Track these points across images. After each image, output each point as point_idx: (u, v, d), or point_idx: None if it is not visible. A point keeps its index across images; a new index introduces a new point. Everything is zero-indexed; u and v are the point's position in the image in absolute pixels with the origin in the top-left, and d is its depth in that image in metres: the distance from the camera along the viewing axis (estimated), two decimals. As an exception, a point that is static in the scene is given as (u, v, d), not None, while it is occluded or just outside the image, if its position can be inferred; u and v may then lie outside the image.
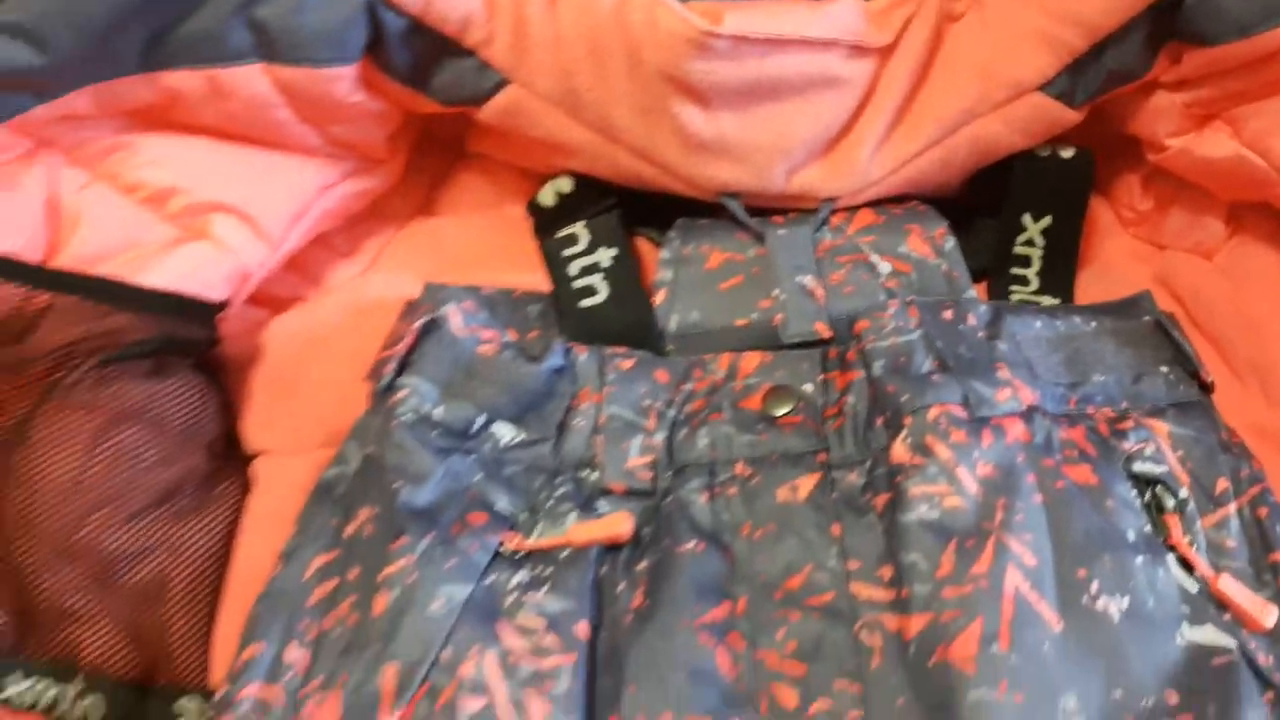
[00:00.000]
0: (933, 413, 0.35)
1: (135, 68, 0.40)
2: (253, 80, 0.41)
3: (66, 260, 0.39)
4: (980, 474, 0.34)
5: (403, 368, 0.39)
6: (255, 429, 0.42)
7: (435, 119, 0.48)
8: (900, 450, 0.35)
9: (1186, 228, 0.47)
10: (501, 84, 0.43)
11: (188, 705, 0.36)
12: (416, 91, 0.44)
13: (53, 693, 0.35)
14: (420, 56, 0.43)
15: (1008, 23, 0.43)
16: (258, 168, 0.43)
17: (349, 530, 0.36)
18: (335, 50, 0.41)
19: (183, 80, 0.40)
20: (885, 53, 0.43)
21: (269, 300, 0.45)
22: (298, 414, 0.42)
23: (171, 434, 0.38)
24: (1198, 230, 0.47)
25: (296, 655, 0.34)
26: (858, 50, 0.43)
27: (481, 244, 0.48)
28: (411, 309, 0.41)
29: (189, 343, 0.40)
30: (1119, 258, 0.48)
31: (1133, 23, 0.41)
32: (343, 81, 0.42)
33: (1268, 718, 0.31)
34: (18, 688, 0.35)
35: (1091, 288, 0.46)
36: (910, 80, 0.44)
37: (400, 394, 0.38)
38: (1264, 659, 0.33)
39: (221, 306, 0.41)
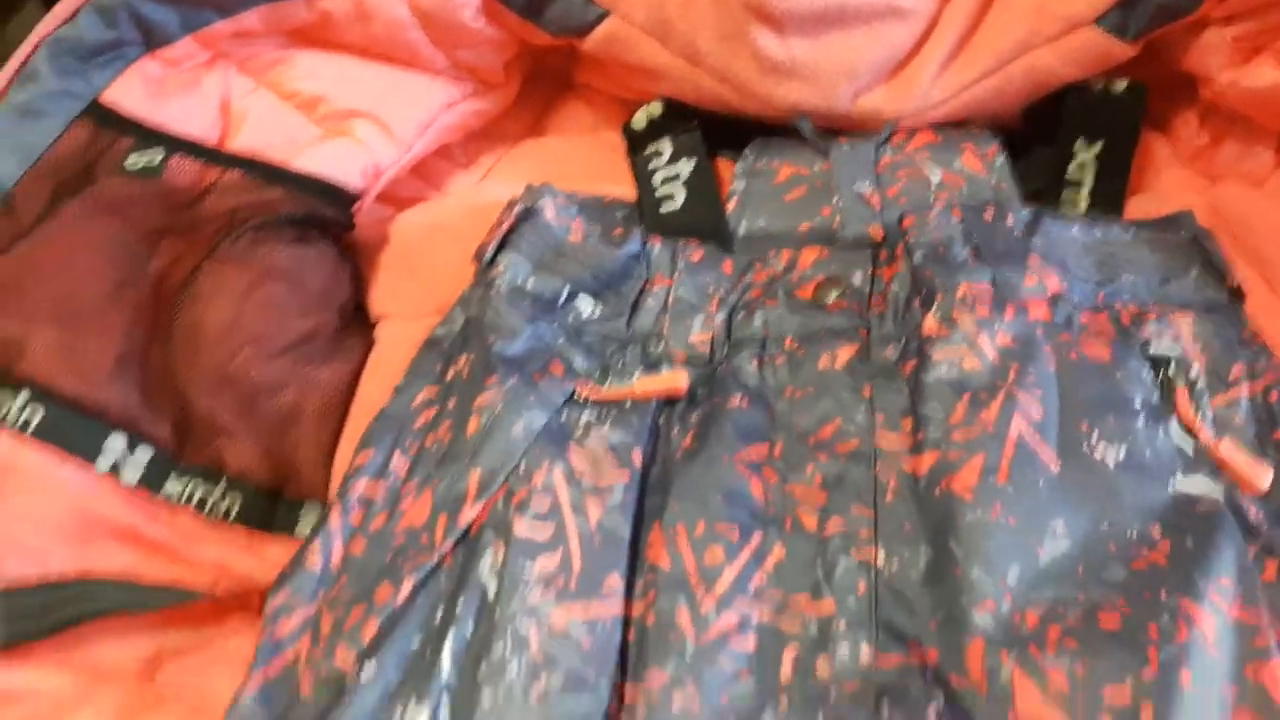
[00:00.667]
0: (962, 290, 0.40)
1: (297, -8, 0.48)
2: (394, 6, 0.48)
3: (234, 147, 0.47)
4: (999, 343, 0.39)
5: (501, 247, 0.45)
6: (380, 298, 0.49)
7: (545, 52, 0.54)
8: (930, 323, 0.40)
9: (1238, 158, 0.50)
10: (603, 16, 0.49)
11: (309, 511, 0.43)
12: (531, 23, 0.51)
13: (201, 492, 0.43)
14: (534, -11, 0.49)
15: (1063, -40, 0.46)
16: (393, 83, 0.50)
17: (450, 373, 0.42)
18: (463, -19, 0.48)
19: (335, 4, 0.48)
20: (949, -13, 0.48)
21: (397, 200, 0.53)
22: (415, 288, 0.49)
23: (310, 292, 0.45)
24: (1248, 160, 0.49)
25: (399, 463, 0.40)
26: (922, -16, 0.47)
27: (582, 162, 0.54)
28: (513, 203, 0.47)
29: (328, 221, 0.47)
30: (1174, 189, 0.51)
31: (1181, -42, 0.44)
32: (469, 9, 0.49)
33: (1243, 557, 0.34)
34: (174, 486, 0.43)
35: (1145, 214, 0.49)
36: (971, 13, 0.48)
37: (498, 268, 0.44)
38: (1255, 515, 0.36)
39: (357, 196, 0.49)
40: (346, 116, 0.49)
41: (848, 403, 0.40)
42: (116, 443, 0.42)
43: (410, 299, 0.49)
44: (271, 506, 0.43)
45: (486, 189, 0.54)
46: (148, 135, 0.46)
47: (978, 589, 0.33)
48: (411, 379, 0.43)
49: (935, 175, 0.47)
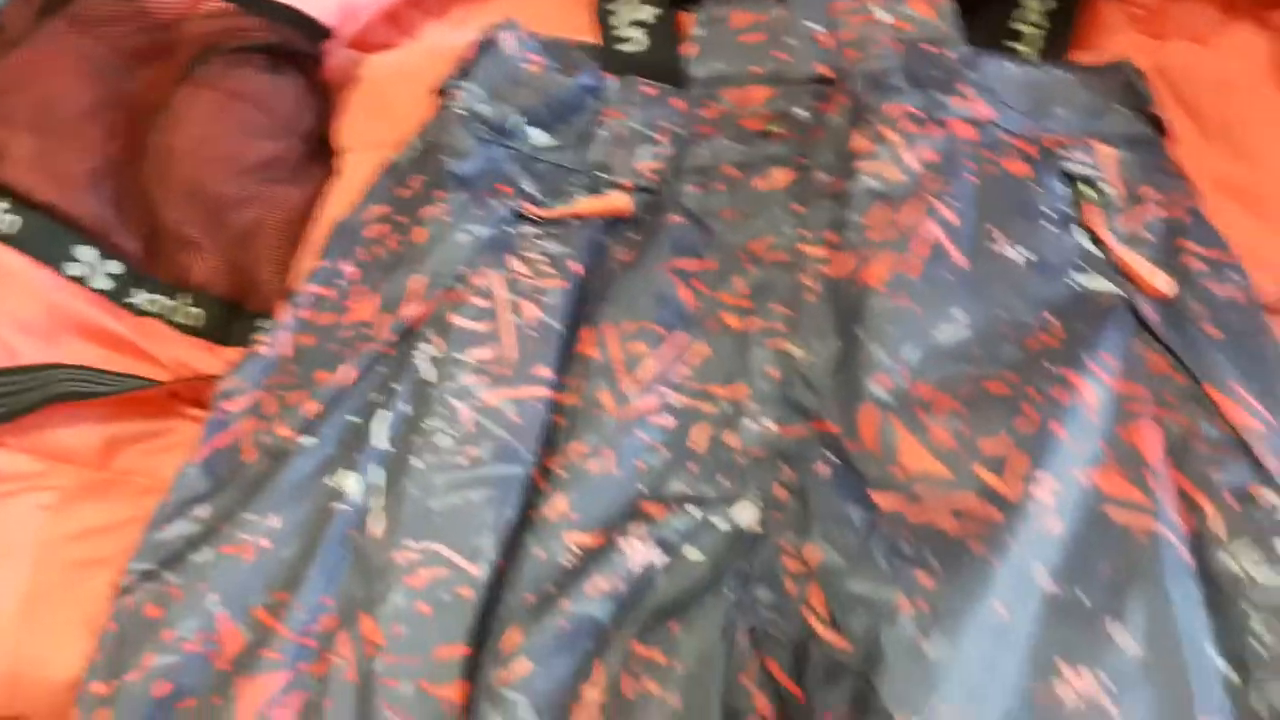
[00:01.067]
0: (890, 110, 0.42)
1: None
2: None
3: (208, -20, 0.49)
4: (924, 157, 0.40)
5: (462, 76, 0.47)
6: (344, 133, 0.51)
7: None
8: (859, 140, 0.42)
9: (1186, 17, 0.51)
10: None
11: (266, 323, 0.46)
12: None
13: (164, 305, 0.45)
14: None
15: None
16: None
17: (404, 193, 0.45)
18: None
19: None
20: None
21: (369, 46, 0.55)
22: (379, 124, 0.50)
23: (277, 117, 0.48)
24: (1195, 18, 0.50)
25: (349, 269, 0.42)
26: None
27: (552, 16, 0.55)
28: (475, 39, 0.49)
29: (300, 53, 0.49)
30: (1125, 51, 0.52)
31: None
32: None
33: (1131, 341, 0.36)
34: (139, 298, 0.45)
35: (1086, 66, 0.50)
36: None
37: (456, 93, 0.46)
38: (1150, 314, 0.37)
39: (329, 31, 0.50)
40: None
41: (779, 219, 0.42)
42: (87, 253, 0.44)
43: (374, 134, 0.51)
44: (230, 319, 0.46)
45: (456, 36, 0.55)
46: (128, -43, 0.48)
47: (876, 364, 0.35)
48: (366, 198, 0.45)
49: (886, 18, 0.49)
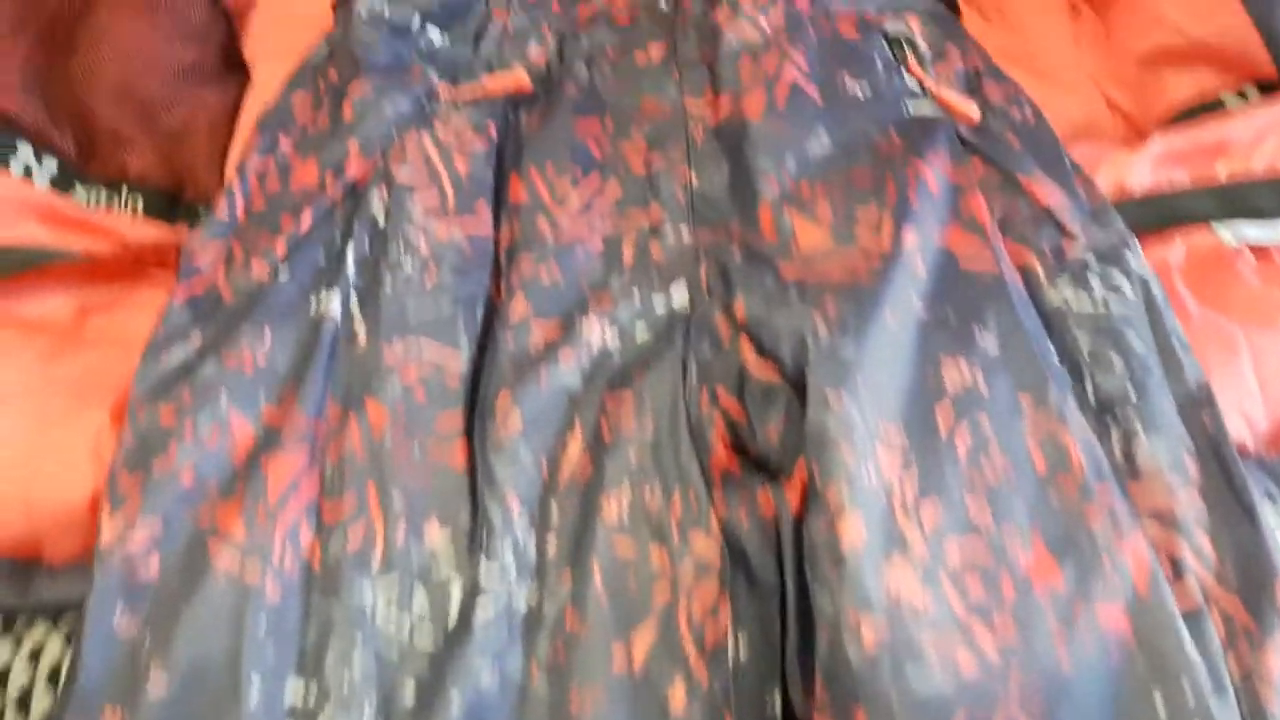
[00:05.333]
0: (743, -9, 0.51)
1: None
2: None
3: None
4: (773, 21, 0.49)
5: None
6: (252, 45, 0.56)
7: None
8: (720, 14, 0.50)
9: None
10: None
11: (204, 211, 0.50)
12: None
13: (106, 197, 0.49)
14: None
15: None
16: None
17: (321, 84, 0.50)
18: None
19: None
20: None
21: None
22: (284, 34, 0.55)
23: (193, 27, 0.52)
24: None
25: (285, 143, 0.47)
26: None
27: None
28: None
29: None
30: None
31: None
32: None
33: (955, 144, 0.45)
34: (81, 194, 0.48)
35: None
36: None
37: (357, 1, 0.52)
38: (967, 135, 0.47)
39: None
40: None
41: (661, 82, 0.50)
42: (25, 151, 0.47)
43: (281, 45, 0.55)
44: (172, 206, 0.50)
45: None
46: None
47: (764, 172, 0.43)
48: (287, 89, 0.50)
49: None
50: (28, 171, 0.47)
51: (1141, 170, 0.49)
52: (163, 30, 0.51)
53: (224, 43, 0.54)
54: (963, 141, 0.47)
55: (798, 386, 0.37)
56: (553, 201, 0.45)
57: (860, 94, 0.47)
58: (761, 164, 0.44)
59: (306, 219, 0.43)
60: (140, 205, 0.49)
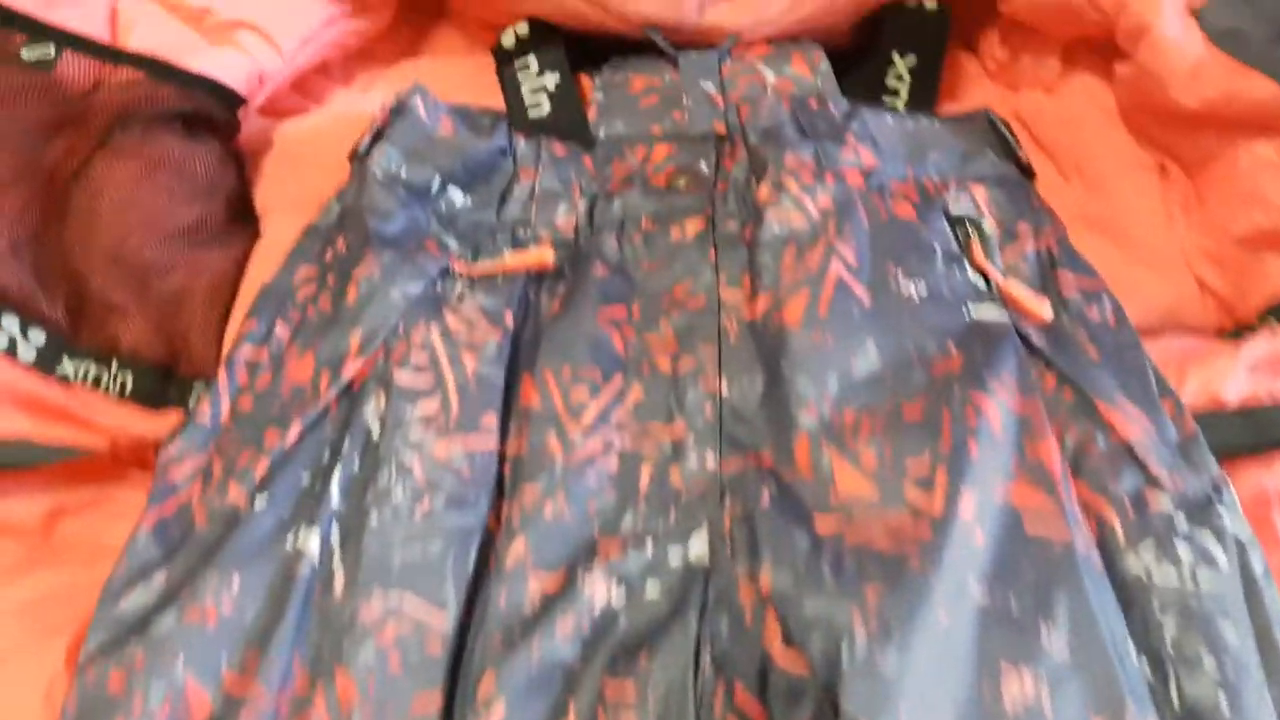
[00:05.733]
0: (789, 161, 0.46)
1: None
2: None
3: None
4: (821, 204, 0.44)
5: (376, 140, 0.49)
6: (264, 195, 0.52)
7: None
8: (763, 190, 0.45)
9: (1033, 69, 0.57)
10: (469, -59, 0.54)
11: (200, 386, 0.46)
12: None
13: (95, 371, 0.45)
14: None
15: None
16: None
17: (329, 255, 0.46)
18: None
19: (218, -76, 0.51)
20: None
21: (279, 112, 0.56)
22: (298, 185, 0.52)
23: (198, 181, 0.49)
24: (1040, 69, 0.57)
25: (282, 330, 0.43)
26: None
27: (456, 81, 0.58)
28: (386, 104, 0.51)
29: (216, 121, 0.50)
30: (985, 102, 0.58)
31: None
32: (343, -67, 0.52)
33: (1024, 363, 0.40)
34: (68, 367, 0.45)
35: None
36: (801, -63, 0.54)
37: (374, 157, 0.48)
38: (1036, 339, 0.42)
39: (243, 100, 0.52)
40: (232, 27, 0.52)
41: (696, 266, 0.45)
42: (10, 323, 0.44)
43: (293, 194, 0.52)
44: (164, 384, 0.46)
45: (365, 102, 0.57)
46: (40, 30, 0.48)
47: (802, 396, 0.38)
48: (292, 259, 0.46)
49: (770, 78, 0.53)
50: (12, 344, 0.44)
51: (1238, 377, 0.43)
52: (164, 189, 0.47)
53: (233, 192, 0.51)
54: (1030, 347, 0.42)
55: (828, 690, 0.32)
56: (567, 412, 0.40)
57: (915, 294, 0.42)
58: (800, 385, 0.39)
59: (294, 431, 0.39)
60: (129, 384, 0.45)
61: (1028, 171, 0.50)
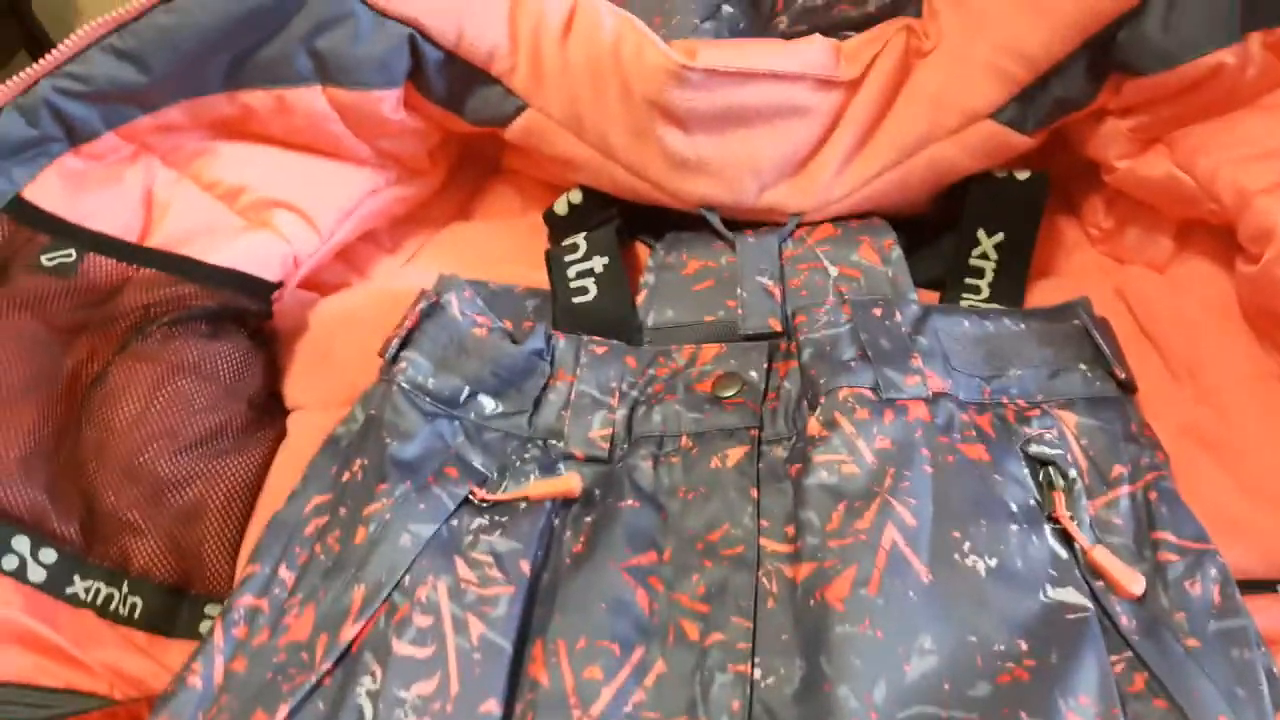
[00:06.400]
0: (843, 393, 0.40)
1: (219, 87, 0.49)
2: (313, 100, 0.49)
3: (157, 240, 0.48)
4: (878, 446, 0.39)
5: (405, 343, 0.46)
6: (294, 389, 0.50)
7: (474, 137, 0.55)
8: (813, 425, 0.40)
9: (1141, 243, 0.50)
10: (522, 108, 0.51)
11: (214, 610, 0.44)
12: (452, 113, 0.52)
13: (104, 593, 0.43)
14: (454, 83, 0.51)
15: (962, 57, 0.47)
16: (315, 172, 0.52)
17: (345, 477, 0.43)
18: (382, 76, 0.49)
19: (256, 98, 0.49)
20: (853, 85, 0.49)
21: (319, 285, 0.54)
22: (329, 378, 0.49)
23: (219, 386, 0.46)
24: (1151, 246, 0.50)
25: (286, 575, 0.40)
26: (825, 83, 0.48)
27: (506, 246, 0.56)
28: (421, 296, 0.48)
29: (245, 312, 0.48)
30: (1084, 270, 0.52)
31: (1073, 56, 0.45)
32: (387, 102, 0.50)
33: (1106, 669, 0.34)
34: (78, 588, 0.43)
35: (1052, 297, 0.49)
36: (873, 109, 0.49)
37: (400, 365, 0.45)
38: (1126, 621, 0.36)
39: (275, 286, 0.49)
40: (268, 206, 0.50)
41: (735, 505, 0.40)
42: (20, 544, 0.43)
43: (323, 389, 0.49)
44: (175, 605, 0.44)
45: (409, 275, 0.55)
46: (64, 231, 0.47)
47: (844, 708, 0.33)
48: (306, 483, 0.43)
49: (833, 269, 0.48)
50: (21, 567, 0.43)
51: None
52: (184, 397, 0.45)
53: (258, 390, 0.48)
54: (1116, 628, 0.36)
55: None
56: (577, 696, 0.36)
57: (982, 569, 0.37)
58: (842, 694, 0.34)
59: (282, 713, 0.36)
60: (140, 606, 0.43)
61: (1128, 386, 0.43)
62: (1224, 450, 0.44)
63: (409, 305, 0.48)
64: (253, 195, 0.50)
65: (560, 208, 0.54)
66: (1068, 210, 0.54)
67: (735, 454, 0.42)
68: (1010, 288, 0.49)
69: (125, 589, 0.44)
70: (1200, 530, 0.38)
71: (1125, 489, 0.40)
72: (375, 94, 0.49)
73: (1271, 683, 0.35)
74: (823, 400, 0.41)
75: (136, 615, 0.43)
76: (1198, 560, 0.37)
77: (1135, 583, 0.37)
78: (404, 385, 0.44)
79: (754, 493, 0.41)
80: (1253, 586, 0.40)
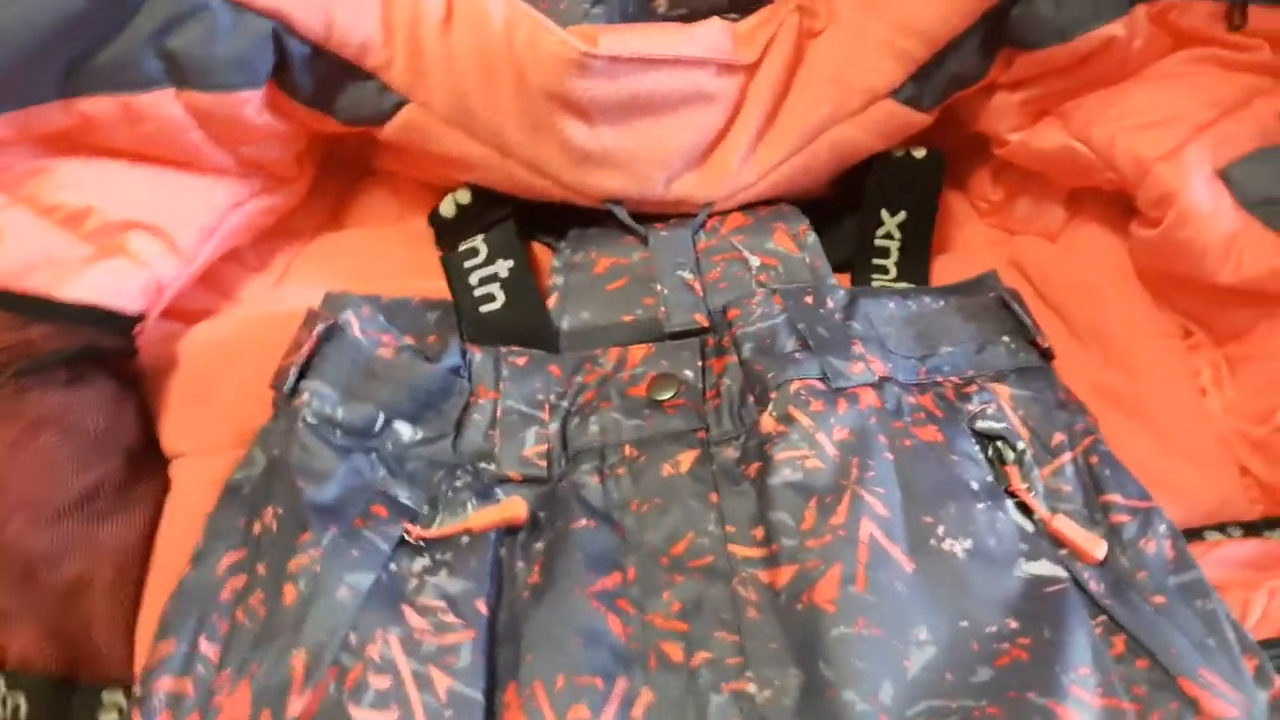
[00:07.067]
0: (794, 386, 0.39)
1: (53, 95, 0.42)
2: (165, 105, 0.43)
3: (-14, 279, 0.41)
4: (837, 438, 0.38)
5: (304, 372, 0.41)
6: (172, 433, 0.44)
7: (339, 138, 0.51)
8: (767, 421, 0.39)
9: (1032, 214, 0.52)
10: (401, 104, 0.46)
11: (112, 699, 0.38)
12: (321, 113, 0.47)
13: (-18, 692, 0.37)
14: (323, 80, 0.46)
15: (858, 36, 0.47)
16: (171, 187, 0.46)
17: (256, 528, 0.38)
18: (243, 75, 0.44)
19: (97, 106, 0.43)
20: (751, 69, 0.48)
21: (184, 314, 0.48)
22: (211, 418, 0.44)
23: (89, 440, 0.40)
24: (1042, 215, 0.52)
25: (208, 649, 0.35)
26: (726, 68, 0.47)
27: (386, 255, 0.51)
28: (311, 317, 0.43)
29: (107, 352, 0.42)
30: (975, 244, 0.53)
31: (967, 32, 0.46)
32: (251, 105, 0.45)
33: (1095, 638, 0.35)
34: (-48, 692, 0.37)
35: (949, 272, 0.50)
36: (774, 93, 0.48)
37: (303, 397, 0.40)
38: (1095, 586, 0.36)
39: (138, 319, 0.44)
40: (120, 229, 0.44)
41: (696, 513, 0.39)
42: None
43: (206, 432, 0.44)
44: (64, 699, 0.38)
45: (283, 294, 0.49)
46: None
47: (852, 713, 0.32)
48: (212, 541, 0.38)
49: (752, 259, 0.47)
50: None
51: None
52: (47, 459, 0.39)
53: (134, 442, 0.42)
54: (1088, 596, 0.36)
55: None
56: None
57: (960, 551, 0.36)
58: (848, 698, 0.32)
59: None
60: (22, 710, 0.37)
61: (1049, 355, 0.44)
62: (1137, 408, 0.45)
63: (296, 329, 0.43)
64: (101, 218, 0.44)
65: (447, 209, 0.50)
66: (953, 185, 0.55)
67: (686, 459, 0.40)
68: (916, 265, 0.50)
69: (2, 687, 0.37)
70: (1142, 489, 0.39)
71: (1067, 456, 0.40)
72: (237, 96, 0.44)
73: (1235, 629, 0.36)
74: (774, 395, 0.39)
75: (21, 718, 0.37)
76: (1147, 518, 0.38)
77: (1097, 547, 0.37)
78: (309, 419, 0.40)
79: (714, 498, 0.39)
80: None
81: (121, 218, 0.44)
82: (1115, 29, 0.44)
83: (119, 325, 0.43)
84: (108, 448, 0.41)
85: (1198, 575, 0.37)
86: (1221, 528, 0.43)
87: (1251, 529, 0.43)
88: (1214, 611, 0.36)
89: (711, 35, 0.47)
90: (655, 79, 0.45)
